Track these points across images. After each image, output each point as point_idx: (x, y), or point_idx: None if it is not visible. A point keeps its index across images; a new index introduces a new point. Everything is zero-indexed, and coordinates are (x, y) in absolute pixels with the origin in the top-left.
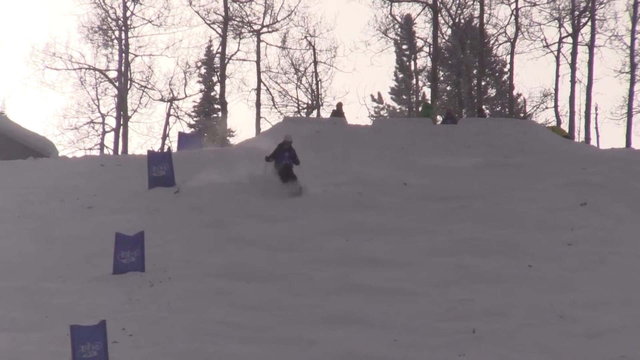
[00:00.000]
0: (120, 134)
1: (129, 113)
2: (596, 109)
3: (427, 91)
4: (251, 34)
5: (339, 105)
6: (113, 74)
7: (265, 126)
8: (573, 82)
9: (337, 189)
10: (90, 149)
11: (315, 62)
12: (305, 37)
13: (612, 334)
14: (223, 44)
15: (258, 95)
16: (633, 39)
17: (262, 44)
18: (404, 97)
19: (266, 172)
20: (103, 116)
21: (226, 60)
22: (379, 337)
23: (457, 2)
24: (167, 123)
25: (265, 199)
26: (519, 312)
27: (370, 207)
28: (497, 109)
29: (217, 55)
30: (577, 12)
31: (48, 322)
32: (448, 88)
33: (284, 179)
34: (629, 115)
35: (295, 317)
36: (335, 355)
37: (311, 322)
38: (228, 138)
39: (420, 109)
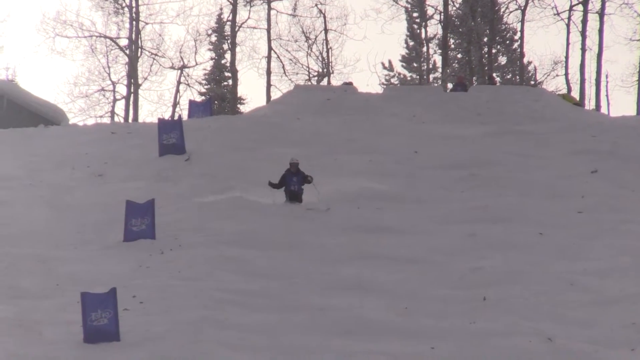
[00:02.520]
0: (131, 102)
1: (140, 81)
2: (606, 76)
3: (437, 59)
4: (262, 1)
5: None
6: (124, 42)
7: (275, 94)
8: (583, 49)
9: (348, 157)
10: (101, 116)
11: (326, 30)
12: (316, 4)
13: (622, 302)
14: (234, 12)
15: (268, 63)
16: None
17: (272, 12)
18: (415, 64)
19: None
20: (114, 84)
21: (237, 28)
22: (390, 305)
23: None
24: (177, 91)
25: (276, 167)
26: (529, 279)
27: (381, 175)
28: (508, 77)
29: (228, 23)
30: None
31: (59, 290)
32: (459, 56)
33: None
34: None
35: (306, 285)
36: (346, 323)
37: (322, 289)
38: (238, 106)
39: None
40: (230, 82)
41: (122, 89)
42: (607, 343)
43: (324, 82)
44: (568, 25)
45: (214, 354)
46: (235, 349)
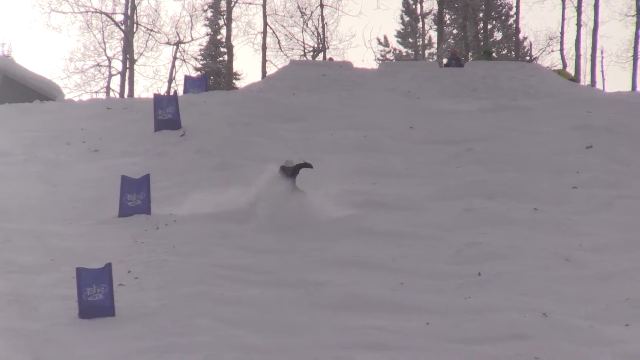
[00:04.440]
0: (127, 78)
1: (135, 56)
2: (602, 52)
3: (433, 34)
4: None
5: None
6: (119, 17)
7: (271, 69)
8: (579, 25)
9: (343, 132)
10: (96, 92)
11: (322, 5)
12: None
13: (618, 277)
14: None
15: (264, 38)
16: None
17: None
18: (410, 40)
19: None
20: (109, 59)
21: (232, 3)
22: (385, 281)
23: None
24: (173, 66)
25: (272, 143)
26: (525, 255)
27: (376, 151)
28: (503, 52)
29: None
30: None
31: (54, 265)
32: (454, 31)
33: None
34: (635, 58)
35: (301, 261)
36: (342, 298)
37: (318, 265)
38: (234, 81)
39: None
40: (225, 57)
41: (117, 65)
42: (602, 318)
43: (320, 57)
44: (563, 1)
45: (209, 329)
46: (231, 324)
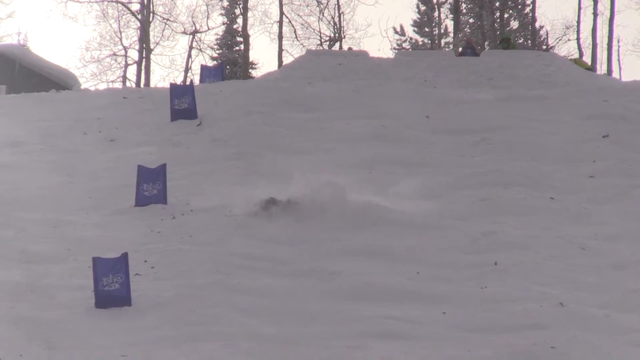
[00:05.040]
0: (143, 67)
1: (152, 46)
2: (618, 41)
3: (449, 23)
4: None
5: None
6: (136, 7)
7: (287, 59)
8: (595, 14)
9: (359, 122)
10: (112, 81)
11: None
12: None
13: (634, 266)
14: None
15: (280, 27)
16: None
17: None
18: (426, 29)
19: None
20: (125, 49)
21: None
22: (401, 270)
23: None
24: (189, 56)
25: (288, 132)
26: (541, 244)
27: (393, 140)
28: (520, 42)
29: None
30: None
31: (70, 255)
32: (470, 20)
33: None
34: None
35: (317, 250)
36: (357, 288)
37: (333, 254)
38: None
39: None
40: (242, 47)
41: (134, 54)
42: (618, 307)
43: (336, 47)
44: None
45: (225, 319)
46: (247, 313)
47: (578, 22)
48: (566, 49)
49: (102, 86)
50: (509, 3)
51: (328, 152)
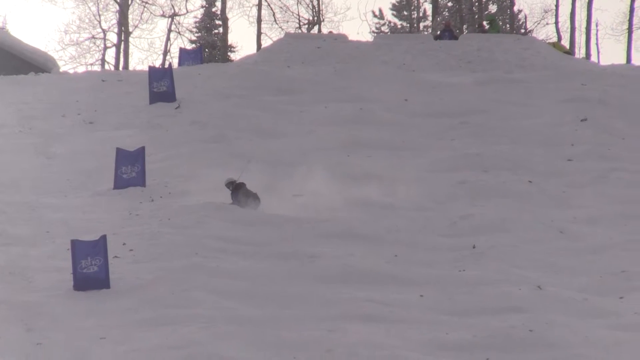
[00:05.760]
0: (122, 50)
1: (130, 29)
2: (597, 25)
3: (428, 7)
4: None
5: None
6: None
7: (266, 42)
8: None
9: (338, 105)
10: (91, 64)
11: None
12: None
13: (612, 249)
14: None
15: (259, 11)
16: None
17: None
18: (405, 13)
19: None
20: (104, 32)
21: None
22: (379, 253)
23: None
24: (168, 39)
25: (268, 115)
26: (519, 227)
27: (371, 123)
28: (499, 25)
29: None
30: None
31: (49, 237)
32: (449, 4)
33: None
34: (630, 31)
35: (296, 233)
36: (336, 271)
37: (312, 237)
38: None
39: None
40: (220, 30)
41: (112, 37)
42: (596, 291)
43: (315, 30)
44: None
45: (203, 301)
46: (226, 295)
47: (557, 5)
48: (545, 33)
49: (81, 69)
50: None
51: (307, 135)
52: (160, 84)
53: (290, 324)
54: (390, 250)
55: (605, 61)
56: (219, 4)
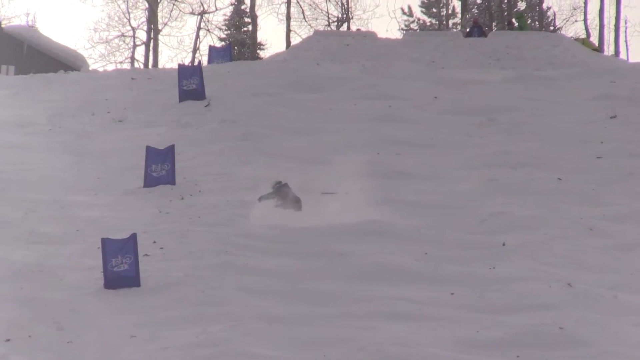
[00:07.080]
0: (151, 48)
1: (160, 27)
2: (625, 22)
3: (457, 4)
4: None
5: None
6: None
7: (295, 40)
8: None
9: (367, 103)
10: (120, 62)
11: None
12: None
13: None
14: None
15: (288, 8)
16: None
17: None
18: (434, 10)
19: None
20: (134, 30)
21: None
22: (410, 250)
23: None
24: (197, 36)
25: (297, 113)
26: (549, 225)
27: (401, 121)
28: (527, 23)
29: None
30: None
31: (79, 236)
32: (478, 1)
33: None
34: None
35: (325, 230)
36: (366, 268)
37: (342, 235)
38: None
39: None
40: (250, 27)
41: (142, 35)
42: (626, 288)
43: (344, 27)
44: None
45: (233, 299)
46: (255, 294)
47: (585, 3)
48: (573, 30)
49: (110, 67)
50: None
51: (336, 133)
52: (190, 82)
53: (321, 322)
54: (420, 248)
55: (634, 58)
56: (248, 1)
